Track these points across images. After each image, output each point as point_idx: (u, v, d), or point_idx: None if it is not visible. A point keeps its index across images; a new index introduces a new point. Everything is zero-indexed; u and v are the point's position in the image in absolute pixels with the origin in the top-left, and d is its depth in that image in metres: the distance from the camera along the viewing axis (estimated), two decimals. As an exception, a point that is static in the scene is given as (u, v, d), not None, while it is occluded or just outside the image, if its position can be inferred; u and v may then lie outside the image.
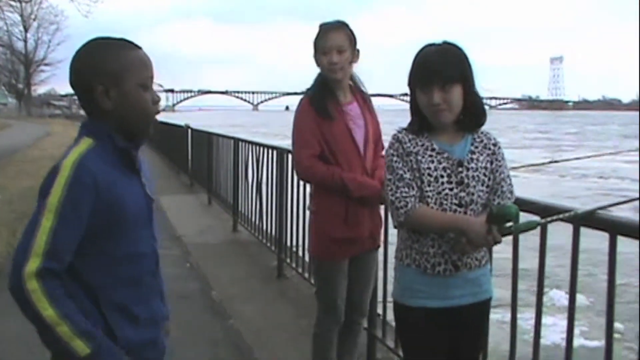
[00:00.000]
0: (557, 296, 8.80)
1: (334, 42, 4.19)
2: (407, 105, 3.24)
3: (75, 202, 2.21)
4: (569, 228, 3.24)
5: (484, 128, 3.16)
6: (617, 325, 7.13)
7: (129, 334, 2.37)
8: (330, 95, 4.26)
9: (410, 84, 3.08)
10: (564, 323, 3.38)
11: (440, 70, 2.97)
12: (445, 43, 3.06)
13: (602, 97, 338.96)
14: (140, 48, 2.44)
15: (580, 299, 10.27)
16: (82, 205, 2.22)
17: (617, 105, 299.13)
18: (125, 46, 2.40)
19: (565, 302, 3.50)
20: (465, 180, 3.03)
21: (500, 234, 2.90)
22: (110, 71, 2.33)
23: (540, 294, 3.54)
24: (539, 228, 3.14)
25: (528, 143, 50.13)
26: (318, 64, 4.27)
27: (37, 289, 2.12)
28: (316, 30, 4.25)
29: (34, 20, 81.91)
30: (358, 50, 4.29)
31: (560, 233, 3.42)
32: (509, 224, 2.92)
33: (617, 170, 30.43)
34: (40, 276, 2.14)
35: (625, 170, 30.01)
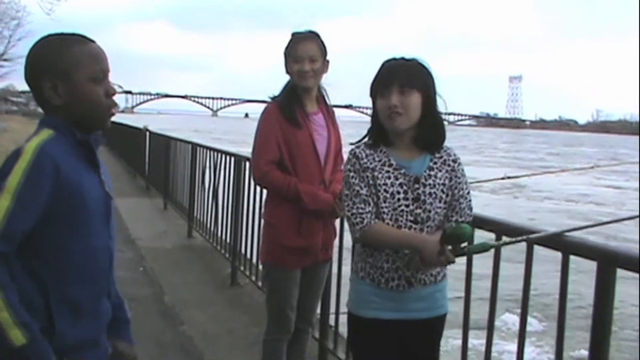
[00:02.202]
0: (511, 320, 8.59)
1: (306, 51, 4.22)
2: (366, 118, 3.27)
3: (35, 186, 2.19)
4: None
5: (453, 144, 3.19)
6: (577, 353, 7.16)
7: (70, 330, 2.33)
8: (297, 103, 4.28)
9: (371, 94, 3.11)
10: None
11: (401, 74, 3.01)
12: (413, 59, 3.10)
13: (559, 117, 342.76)
14: (93, 42, 2.43)
15: (534, 322, 10.34)
16: (42, 190, 2.20)
17: (573, 126, 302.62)
18: (76, 40, 2.39)
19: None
20: (422, 197, 3.05)
21: (453, 254, 2.91)
22: (58, 67, 2.32)
23: (492, 316, 3.57)
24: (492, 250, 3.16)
25: (523, 164, 48.95)
26: (288, 71, 4.29)
27: None
28: (276, 37, 4.29)
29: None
30: (328, 61, 4.33)
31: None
32: (464, 244, 2.94)
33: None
34: None
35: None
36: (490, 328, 3.55)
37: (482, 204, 17.38)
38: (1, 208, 2.16)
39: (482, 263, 3.59)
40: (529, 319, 4.15)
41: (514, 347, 3.44)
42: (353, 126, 4.90)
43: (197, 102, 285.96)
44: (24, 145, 2.26)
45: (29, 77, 2.39)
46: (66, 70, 2.33)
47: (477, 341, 4.00)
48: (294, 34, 4.31)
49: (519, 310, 3.47)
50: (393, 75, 3.01)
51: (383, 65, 3.10)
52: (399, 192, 3.04)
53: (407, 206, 3.04)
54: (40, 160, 2.21)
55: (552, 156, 66.41)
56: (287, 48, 4.29)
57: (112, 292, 2.60)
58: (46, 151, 2.24)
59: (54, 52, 2.34)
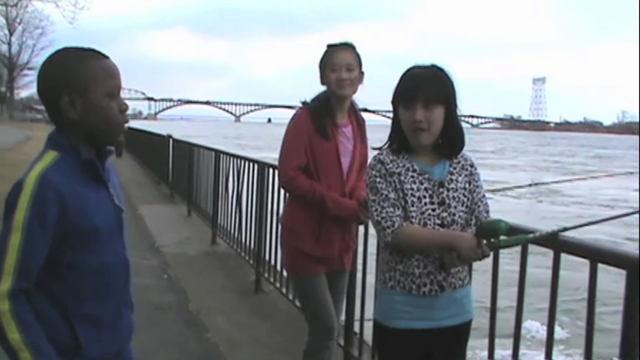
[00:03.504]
0: (534, 327, 8.49)
1: (344, 59, 4.24)
2: (388, 121, 3.26)
3: (41, 218, 2.21)
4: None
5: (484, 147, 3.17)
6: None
7: (95, 345, 2.37)
8: (329, 114, 4.29)
9: (393, 101, 3.11)
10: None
11: (425, 88, 3.00)
12: (433, 65, 3.09)
13: (584, 118, 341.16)
14: (107, 57, 2.44)
15: (557, 329, 9.88)
16: (48, 220, 2.22)
17: (599, 127, 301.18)
18: (92, 56, 2.40)
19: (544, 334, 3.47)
20: (447, 201, 3.06)
21: (489, 248, 2.92)
22: (76, 81, 2.33)
23: (518, 323, 3.54)
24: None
25: (564, 169, 47.45)
26: (324, 81, 4.30)
27: (7, 312, 2.14)
28: (296, 43, 4.33)
29: (19, 24, 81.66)
30: (363, 72, 4.34)
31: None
32: (498, 238, 2.92)
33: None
34: (13, 297, 2.16)
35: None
36: (517, 337, 3.53)
37: (501, 209, 17.18)
38: (14, 246, 2.19)
39: (502, 269, 3.58)
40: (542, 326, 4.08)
41: (541, 356, 3.40)
42: (371, 129, 4.86)
43: (220, 108, 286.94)
44: (25, 176, 2.27)
45: (45, 90, 2.39)
46: (84, 85, 2.34)
47: (504, 351, 3.94)
48: (329, 45, 4.33)
49: (542, 316, 3.42)
50: (418, 89, 3.00)
51: (406, 73, 3.09)
52: (424, 197, 3.05)
53: (433, 210, 3.05)
54: (43, 190, 2.23)
55: (591, 159, 64.99)
56: (322, 59, 4.31)
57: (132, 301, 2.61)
58: (47, 180, 2.25)
59: (73, 67, 2.35)
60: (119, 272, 2.49)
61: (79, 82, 2.33)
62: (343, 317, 5.02)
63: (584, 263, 3.08)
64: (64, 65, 2.36)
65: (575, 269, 3.26)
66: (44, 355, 2.18)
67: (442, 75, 3.07)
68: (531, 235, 3.08)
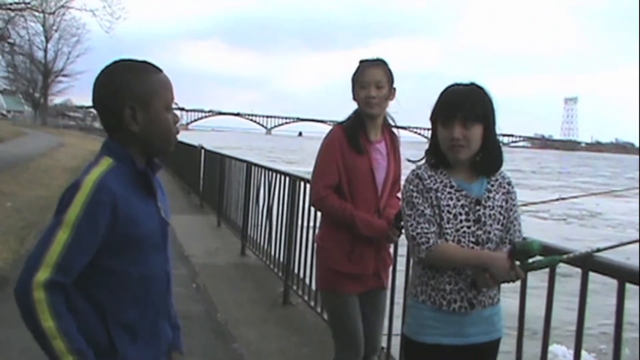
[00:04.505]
0: (561, 352, 8.19)
1: (373, 77, 4.25)
2: (419, 138, 3.27)
3: (93, 220, 2.25)
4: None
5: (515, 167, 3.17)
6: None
7: (130, 352, 2.39)
8: (362, 130, 4.30)
9: (432, 118, 3.13)
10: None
11: (464, 106, 3.02)
12: (472, 84, 3.11)
13: (615, 139, 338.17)
14: (162, 70, 2.50)
15: (583, 354, 9.64)
16: (99, 223, 2.26)
17: (630, 148, 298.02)
18: (149, 69, 2.46)
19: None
20: (483, 219, 3.07)
21: (522, 269, 2.93)
22: (138, 94, 2.38)
23: (545, 345, 3.53)
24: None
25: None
26: (355, 98, 4.32)
27: (43, 300, 2.17)
28: (327, 57, 4.34)
29: (56, 31, 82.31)
30: (394, 88, 4.35)
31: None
32: (532, 259, 2.93)
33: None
34: (48, 287, 2.18)
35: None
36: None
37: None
38: (60, 241, 2.22)
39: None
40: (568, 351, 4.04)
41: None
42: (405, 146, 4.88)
43: (251, 120, 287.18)
44: (83, 177, 2.31)
45: (103, 101, 2.43)
46: (148, 97, 2.39)
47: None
48: (361, 61, 4.35)
49: (567, 341, 3.40)
50: (456, 107, 3.02)
51: (446, 90, 3.12)
52: (460, 214, 3.06)
53: (468, 227, 3.06)
54: (99, 194, 2.27)
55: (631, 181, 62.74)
56: (354, 74, 4.33)
57: (172, 314, 2.65)
58: (105, 184, 2.29)
59: (136, 79, 2.40)
60: (160, 284, 2.51)
61: (143, 95, 2.38)
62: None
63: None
64: (125, 78, 2.40)
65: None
66: (77, 342, 2.21)
67: (481, 94, 3.09)
68: (565, 256, 3.08)
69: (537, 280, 3.48)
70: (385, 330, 5.14)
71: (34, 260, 2.21)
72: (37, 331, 2.19)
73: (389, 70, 4.32)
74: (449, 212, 3.05)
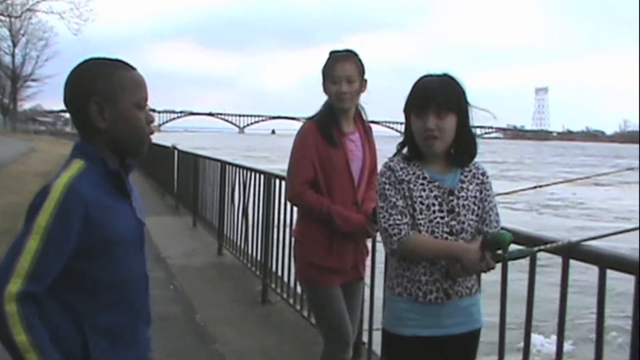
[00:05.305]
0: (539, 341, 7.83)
1: (344, 71, 4.21)
2: (392, 132, 3.27)
3: (64, 226, 2.20)
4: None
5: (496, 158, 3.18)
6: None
7: (107, 358, 2.35)
8: (335, 123, 4.28)
9: (405, 110, 3.13)
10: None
11: (438, 97, 3.02)
12: (445, 75, 3.11)
13: (586, 128, 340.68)
14: (135, 69, 2.46)
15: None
16: (70, 229, 2.21)
17: (601, 137, 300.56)
18: (120, 66, 2.42)
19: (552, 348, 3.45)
20: (456, 209, 3.08)
21: (493, 260, 2.93)
22: (105, 90, 2.34)
23: (527, 338, 3.55)
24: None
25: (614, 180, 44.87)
26: (326, 91, 4.29)
27: (15, 313, 2.12)
28: (301, 54, 4.32)
29: (23, 35, 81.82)
30: (366, 80, 4.32)
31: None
32: (502, 250, 2.94)
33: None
34: (20, 299, 2.14)
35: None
36: (527, 352, 3.55)
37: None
38: (30, 249, 2.17)
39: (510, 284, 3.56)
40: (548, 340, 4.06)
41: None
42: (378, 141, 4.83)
43: (223, 119, 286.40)
44: (52, 182, 2.27)
45: (73, 99, 2.40)
46: (115, 94, 2.35)
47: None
48: (331, 53, 4.32)
49: (545, 330, 3.42)
50: (430, 97, 3.02)
51: (418, 82, 3.12)
52: (434, 204, 3.06)
53: (442, 218, 3.06)
54: (69, 199, 2.22)
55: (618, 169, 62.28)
56: (325, 67, 4.30)
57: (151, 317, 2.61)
58: (75, 189, 2.25)
59: (103, 76, 2.36)
60: (138, 287, 2.48)
61: (109, 91, 2.35)
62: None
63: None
64: (92, 74, 2.37)
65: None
66: (50, 356, 2.17)
67: (454, 84, 3.09)
68: (536, 248, 3.12)
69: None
70: (365, 326, 5.14)
71: (4, 271, 2.15)
72: (9, 345, 2.14)
73: (360, 62, 4.29)
74: (421, 203, 3.05)
